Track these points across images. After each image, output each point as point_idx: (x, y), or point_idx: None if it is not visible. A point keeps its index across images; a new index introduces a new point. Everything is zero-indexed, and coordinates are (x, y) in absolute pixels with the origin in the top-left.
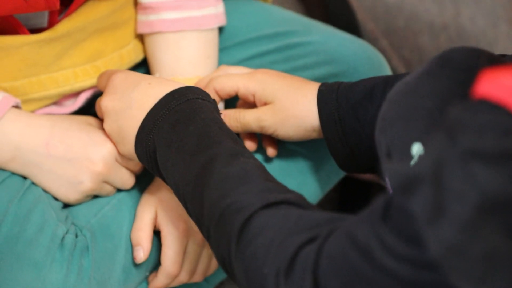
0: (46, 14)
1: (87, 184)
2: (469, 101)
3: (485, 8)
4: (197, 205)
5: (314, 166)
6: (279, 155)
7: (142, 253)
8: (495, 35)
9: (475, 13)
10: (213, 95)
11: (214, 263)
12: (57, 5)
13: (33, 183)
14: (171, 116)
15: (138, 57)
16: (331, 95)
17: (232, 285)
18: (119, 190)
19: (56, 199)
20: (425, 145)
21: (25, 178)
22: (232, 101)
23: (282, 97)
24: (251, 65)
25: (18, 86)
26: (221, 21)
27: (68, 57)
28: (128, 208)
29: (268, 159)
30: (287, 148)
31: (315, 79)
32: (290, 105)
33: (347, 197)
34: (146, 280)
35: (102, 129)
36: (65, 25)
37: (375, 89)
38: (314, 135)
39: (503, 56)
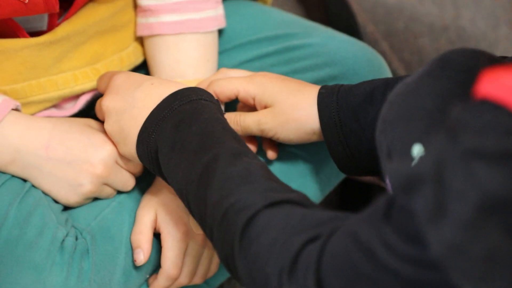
0: (45, 17)
1: (87, 186)
2: (470, 101)
3: (485, 9)
4: (200, 205)
5: (314, 168)
6: (279, 158)
7: (142, 255)
8: (495, 36)
9: (475, 14)
10: None
11: (214, 265)
12: (57, 8)
13: (33, 186)
14: (174, 117)
15: (138, 60)
16: (331, 97)
17: (232, 286)
18: (119, 193)
19: (56, 201)
20: (426, 145)
21: (25, 181)
22: (232, 104)
23: (282, 100)
24: (251, 67)
25: (18, 89)
26: (221, 23)
27: (68, 60)
28: (128, 211)
29: (269, 162)
30: (287, 150)
31: (315, 81)
32: (290, 108)
33: (348, 199)
34: (146, 282)
35: (102, 131)
36: (64, 28)
37: (375, 91)
38: (314, 138)
39: (504, 58)
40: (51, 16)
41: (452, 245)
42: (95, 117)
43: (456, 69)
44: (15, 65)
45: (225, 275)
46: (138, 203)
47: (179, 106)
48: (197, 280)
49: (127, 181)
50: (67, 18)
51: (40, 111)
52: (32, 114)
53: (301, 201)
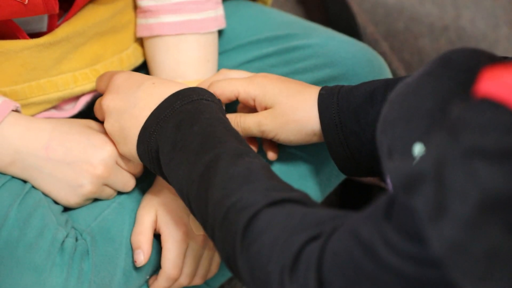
0: (45, 19)
1: (87, 187)
2: (471, 99)
3: (486, 10)
4: (201, 204)
5: (315, 169)
6: (280, 159)
7: (143, 256)
8: (495, 37)
9: (475, 15)
10: None
11: (215, 266)
12: (56, 9)
13: (33, 187)
14: (176, 116)
15: (137, 61)
16: (331, 99)
17: (232, 287)
18: (119, 193)
19: (56, 202)
20: (426, 144)
21: (25, 182)
22: (232, 105)
23: (283, 102)
24: (251, 68)
25: (18, 90)
26: (221, 24)
27: (67, 61)
28: (128, 212)
29: (269, 163)
30: (287, 151)
31: (315, 82)
32: (290, 110)
33: (348, 200)
34: (147, 283)
35: (102, 132)
36: (64, 29)
37: (375, 92)
38: (315, 139)
39: (505, 58)
40: (51, 17)
41: (453, 244)
42: (95, 118)
43: (456, 69)
44: (15, 67)
45: (226, 275)
46: (138, 203)
47: (180, 106)
48: (197, 280)
49: (127, 182)
50: (67, 19)
51: (40, 112)
52: (32, 115)
53: (302, 200)
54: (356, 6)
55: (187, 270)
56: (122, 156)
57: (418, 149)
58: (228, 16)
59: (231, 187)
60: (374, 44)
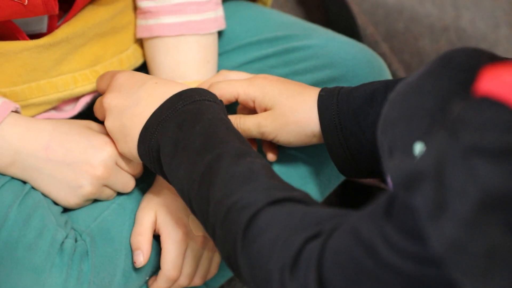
0: (45, 20)
1: (87, 188)
2: (471, 98)
3: (485, 11)
4: (202, 204)
5: (314, 170)
6: (279, 160)
7: (142, 257)
8: (495, 37)
9: (475, 16)
10: None
11: (214, 267)
12: (56, 9)
13: (32, 187)
14: (178, 117)
15: (137, 62)
16: (331, 100)
17: None
18: (119, 194)
19: (55, 203)
20: (427, 143)
21: (24, 182)
22: (232, 107)
23: (282, 103)
24: (251, 69)
25: (17, 91)
26: (221, 25)
27: (67, 62)
28: (127, 213)
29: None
30: (287, 153)
31: (315, 83)
32: (290, 111)
33: (347, 201)
34: (146, 284)
35: (102, 133)
36: (64, 30)
37: (375, 93)
38: (315, 140)
39: (506, 59)
40: (50, 19)
41: (453, 242)
42: (95, 119)
43: (457, 68)
44: (15, 68)
45: (225, 276)
46: (138, 204)
47: (182, 106)
48: (197, 281)
49: (127, 183)
50: (66, 20)
51: (40, 113)
52: (32, 116)
53: (303, 199)
54: (356, 7)
55: (187, 270)
56: (122, 157)
57: (418, 148)
58: (228, 17)
59: (232, 186)
60: (374, 45)
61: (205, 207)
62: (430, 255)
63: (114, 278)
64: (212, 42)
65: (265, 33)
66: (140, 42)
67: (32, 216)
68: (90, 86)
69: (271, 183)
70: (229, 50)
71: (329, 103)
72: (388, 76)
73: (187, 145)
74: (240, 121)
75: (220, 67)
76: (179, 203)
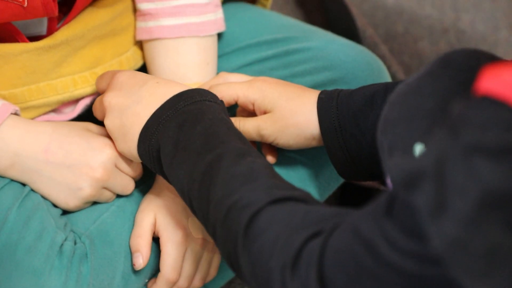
0: (45, 22)
1: (86, 190)
2: (472, 97)
3: (485, 13)
4: (203, 203)
5: (314, 173)
6: (279, 163)
7: (141, 259)
8: (495, 40)
9: (475, 18)
10: None
11: (214, 269)
12: (56, 12)
13: (32, 190)
14: (178, 117)
15: (137, 64)
16: (331, 103)
17: None
18: (118, 196)
19: (55, 206)
20: (427, 143)
21: (24, 185)
22: (231, 109)
23: (282, 106)
24: (250, 71)
25: (17, 93)
26: (220, 27)
27: (67, 64)
28: (127, 215)
29: None
30: (287, 155)
31: (314, 85)
32: (290, 114)
33: (347, 203)
34: (146, 286)
35: (102, 135)
36: (64, 33)
37: (375, 96)
38: (314, 143)
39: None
40: (50, 21)
41: (453, 241)
42: (94, 121)
43: (457, 69)
44: (15, 70)
45: (224, 279)
46: (137, 207)
47: (183, 106)
48: (196, 284)
49: (127, 185)
50: (66, 23)
51: (40, 115)
52: (32, 119)
53: (304, 198)
54: (355, 9)
55: (186, 273)
56: (121, 159)
57: (418, 149)
58: (227, 19)
59: (233, 185)
60: (373, 47)
61: (206, 207)
62: (430, 254)
63: (113, 281)
64: (211, 44)
65: (265, 35)
66: (139, 44)
67: (32, 219)
68: (89, 88)
69: (272, 182)
70: (229, 52)
71: (329, 105)
72: (387, 78)
73: (187, 145)
74: (239, 124)
75: (220, 69)
76: (179, 205)
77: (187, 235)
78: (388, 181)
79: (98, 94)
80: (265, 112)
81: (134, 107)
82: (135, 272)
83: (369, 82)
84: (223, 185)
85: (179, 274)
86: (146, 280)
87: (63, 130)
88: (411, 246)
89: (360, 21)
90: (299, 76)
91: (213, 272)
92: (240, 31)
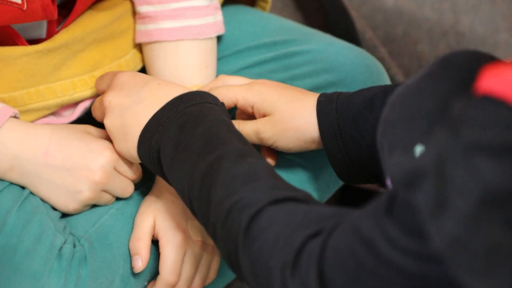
0: (44, 25)
1: (86, 193)
2: (472, 96)
3: (484, 16)
4: (203, 203)
5: (313, 175)
6: (278, 166)
7: (141, 262)
8: (494, 42)
9: (474, 20)
10: None
11: (213, 272)
12: (55, 14)
13: (31, 193)
14: (179, 118)
15: (136, 67)
16: (330, 105)
17: None
18: (117, 199)
19: (54, 209)
20: (427, 144)
21: (23, 188)
22: (230, 112)
23: (281, 109)
24: (250, 73)
25: (16, 96)
26: (220, 30)
27: (66, 67)
28: (126, 218)
29: None
30: (286, 158)
31: (314, 88)
32: (289, 117)
33: (346, 205)
34: None
35: (101, 137)
36: (63, 36)
37: (374, 98)
38: (313, 146)
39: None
40: (50, 24)
41: (454, 239)
42: (93, 124)
43: (457, 70)
44: (14, 73)
45: (224, 281)
46: (136, 209)
47: (184, 108)
48: (196, 286)
49: (126, 188)
50: (65, 26)
51: (39, 118)
52: (31, 122)
53: (304, 198)
54: (354, 12)
55: (185, 276)
56: (120, 161)
57: (419, 150)
58: (226, 21)
59: (233, 186)
60: (372, 50)
61: (206, 207)
62: (431, 253)
63: (112, 284)
64: (211, 47)
65: (264, 37)
66: (139, 47)
67: (31, 222)
68: (89, 91)
69: (273, 182)
70: (228, 55)
71: (328, 108)
72: (386, 80)
73: (188, 146)
74: (239, 127)
75: (219, 71)
76: (178, 207)
77: (186, 238)
78: (388, 182)
79: (97, 96)
80: (264, 115)
81: (135, 107)
82: (134, 275)
83: (369, 84)
84: (223, 186)
85: (179, 277)
86: (146, 283)
87: (62, 133)
88: (412, 245)
89: (359, 24)
90: (299, 79)
91: (212, 274)
92: (239, 34)
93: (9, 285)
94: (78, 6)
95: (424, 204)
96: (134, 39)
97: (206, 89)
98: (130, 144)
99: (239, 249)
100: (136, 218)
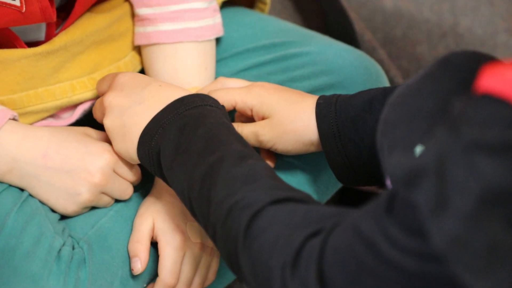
0: (43, 28)
1: (85, 195)
2: (472, 95)
3: (484, 17)
4: (203, 204)
5: (312, 178)
6: (277, 168)
7: (140, 264)
8: (493, 44)
9: (473, 22)
10: None
11: (212, 274)
12: (54, 17)
13: (30, 195)
14: (179, 120)
15: (135, 69)
16: (329, 108)
17: None
18: (117, 201)
19: (53, 211)
20: (427, 144)
21: (22, 190)
22: (229, 114)
23: (280, 112)
24: (248, 75)
25: (15, 99)
26: (219, 32)
27: (65, 70)
28: (125, 220)
29: None
30: (285, 160)
31: (312, 90)
32: (288, 120)
33: (346, 207)
34: None
35: (100, 140)
36: (62, 38)
37: (373, 101)
38: (312, 148)
39: None
40: (49, 26)
41: (454, 238)
42: (93, 126)
43: (456, 70)
44: (13, 75)
45: (223, 283)
46: (135, 211)
47: (184, 110)
48: None
49: (125, 190)
50: (64, 28)
51: (38, 121)
52: (30, 124)
53: (304, 199)
54: (353, 13)
55: (184, 278)
56: (120, 164)
57: (419, 151)
58: (225, 23)
59: (234, 186)
60: (371, 52)
61: (206, 207)
62: (431, 251)
63: (111, 286)
64: (210, 49)
65: (263, 39)
66: (138, 49)
67: (30, 224)
68: (88, 93)
69: (273, 183)
70: (227, 57)
71: (328, 111)
72: (385, 82)
73: (188, 148)
74: (237, 129)
75: (218, 74)
76: (177, 209)
77: (185, 240)
78: (388, 182)
79: (97, 98)
80: (263, 118)
81: (135, 107)
82: (134, 277)
83: (367, 86)
84: (224, 186)
85: (178, 279)
86: (145, 285)
87: (61, 135)
88: (412, 243)
89: (358, 26)
90: (297, 81)
91: (211, 276)
92: (238, 36)
93: (8, 287)
94: (77, 9)
95: (424, 203)
96: (133, 41)
97: (205, 92)
98: (129, 145)
99: (239, 249)
100: (135, 220)
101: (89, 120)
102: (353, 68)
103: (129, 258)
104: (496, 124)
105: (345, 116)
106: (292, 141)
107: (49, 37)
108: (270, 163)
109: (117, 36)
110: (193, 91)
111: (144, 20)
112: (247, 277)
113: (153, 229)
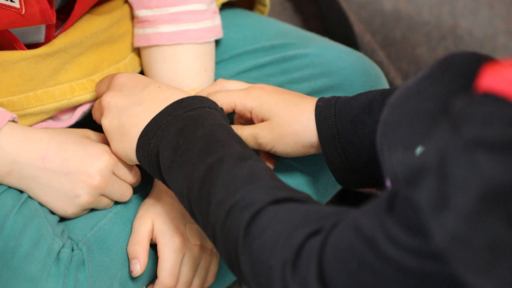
0: (43, 30)
1: (84, 197)
2: (473, 94)
3: (483, 19)
4: (202, 205)
5: (311, 180)
6: (276, 170)
7: (139, 266)
8: (493, 46)
9: (473, 24)
10: None
11: (211, 276)
12: (53, 19)
13: (29, 197)
14: (178, 122)
15: (135, 71)
16: (329, 110)
17: None
18: (116, 203)
19: (52, 213)
20: (428, 142)
21: (21, 192)
22: (228, 117)
23: (279, 114)
24: (248, 77)
25: (15, 101)
26: (218, 34)
27: (65, 71)
28: (124, 222)
29: None
30: (284, 162)
31: (312, 92)
32: (287, 122)
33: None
34: None
35: (99, 142)
36: (61, 40)
37: (373, 103)
38: (312, 151)
39: None
40: (48, 28)
41: (455, 236)
42: (92, 128)
43: (456, 71)
44: (12, 77)
45: (222, 285)
46: (135, 213)
47: (183, 112)
48: None
49: (124, 192)
50: (64, 30)
51: (37, 122)
52: (29, 126)
53: (305, 199)
54: (353, 16)
55: (184, 279)
56: (119, 166)
57: (420, 151)
58: (225, 25)
59: (234, 186)
60: (371, 53)
61: (206, 208)
62: (432, 250)
63: None
64: (209, 51)
65: (262, 41)
66: (137, 51)
67: (29, 226)
68: (87, 95)
69: (274, 183)
70: (226, 59)
71: (327, 113)
72: (385, 84)
73: (187, 149)
74: (237, 132)
75: (217, 75)
76: (177, 211)
77: (184, 241)
78: (388, 183)
79: (97, 98)
80: (262, 120)
81: (134, 108)
82: (133, 279)
83: (367, 88)
84: (224, 186)
85: (177, 281)
86: (144, 287)
87: (60, 137)
88: (413, 242)
89: (358, 28)
90: (297, 83)
91: (210, 278)
92: (237, 38)
93: None
94: (76, 11)
95: (425, 201)
96: (132, 43)
97: (204, 94)
98: (127, 145)
99: (239, 249)
100: (135, 222)
101: (89, 122)
102: (353, 70)
103: (128, 260)
104: (497, 122)
105: (345, 118)
106: (291, 143)
107: (48, 39)
108: (269, 165)
109: (116, 38)
110: (192, 93)
111: (143, 22)
112: (247, 277)
113: (152, 231)
